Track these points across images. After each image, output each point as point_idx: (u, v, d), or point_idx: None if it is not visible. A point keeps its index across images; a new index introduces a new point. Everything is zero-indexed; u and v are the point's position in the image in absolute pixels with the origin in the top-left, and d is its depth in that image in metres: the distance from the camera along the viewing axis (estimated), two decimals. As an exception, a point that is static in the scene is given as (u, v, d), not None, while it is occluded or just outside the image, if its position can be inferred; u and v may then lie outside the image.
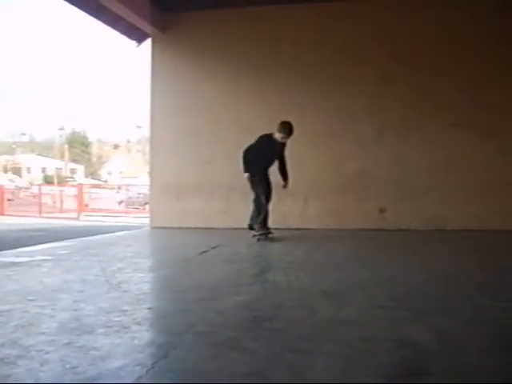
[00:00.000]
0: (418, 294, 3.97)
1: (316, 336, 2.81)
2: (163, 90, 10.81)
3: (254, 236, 7.77)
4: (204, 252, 6.42)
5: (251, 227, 7.97)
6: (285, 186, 8.04)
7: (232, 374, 2.22)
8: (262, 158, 7.77)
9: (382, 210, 9.95)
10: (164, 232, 9.82)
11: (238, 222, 9.87)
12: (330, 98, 10.01)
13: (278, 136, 7.62)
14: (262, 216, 7.75)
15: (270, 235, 7.74)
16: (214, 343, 2.67)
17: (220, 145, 10.39)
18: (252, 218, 7.96)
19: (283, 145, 7.87)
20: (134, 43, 11.25)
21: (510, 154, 9.56)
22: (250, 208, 9.96)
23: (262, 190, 7.77)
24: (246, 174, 7.71)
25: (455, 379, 2.16)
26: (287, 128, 7.61)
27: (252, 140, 7.89)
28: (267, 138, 7.70)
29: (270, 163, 7.99)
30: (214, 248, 6.84)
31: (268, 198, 7.86)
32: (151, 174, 11.10)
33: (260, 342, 2.68)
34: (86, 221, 19.75)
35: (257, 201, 7.86)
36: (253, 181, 7.76)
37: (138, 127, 73.25)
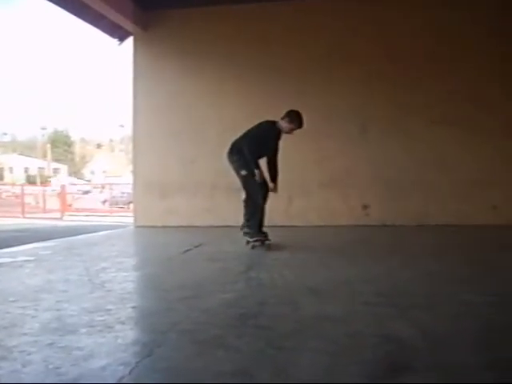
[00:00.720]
0: (402, 290, 3.97)
1: (300, 332, 2.81)
2: (145, 89, 10.75)
3: (249, 243, 6.57)
4: (187, 251, 6.40)
5: (245, 232, 6.73)
6: (274, 189, 6.81)
7: (217, 373, 2.21)
8: (258, 149, 6.60)
9: (365, 207, 10.00)
10: (148, 231, 9.79)
11: (222, 220, 9.89)
12: (316, 96, 10.00)
13: (284, 126, 6.61)
14: (256, 219, 6.59)
15: (266, 242, 6.56)
16: (199, 341, 2.66)
17: (203, 144, 10.36)
18: (245, 223, 6.74)
19: (280, 137, 6.81)
20: (116, 42, 11.17)
21: (494, 151, 9.63)
22: (234, 206, 9.99)
23: (257, 187, 6.54)
24: (257, 172, 6.45)
25: (439, 375, 2.17)
26: (299, 119, 6.58)
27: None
28: (270, 126, 6.66)
29: (264, 155, 6.81)
30: (197, 247, 6.82)
31: (265, 197, 6.65)
32: (134, 172, 11.03)
33: (244, 340, 2.68)
34: (69, 221, 19.61)
35: (249, 201, 6.69)
36: (245, 177, 6.56)
37: (121, 126, 72.88)
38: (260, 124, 6.68)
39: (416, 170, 9.84)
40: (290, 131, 6.66)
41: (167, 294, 3.89)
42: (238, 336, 2.75)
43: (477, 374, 2.17)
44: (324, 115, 9.91)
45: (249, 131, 6.65)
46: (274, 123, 6.65)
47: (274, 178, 6.78)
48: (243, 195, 6.72)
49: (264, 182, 6.59)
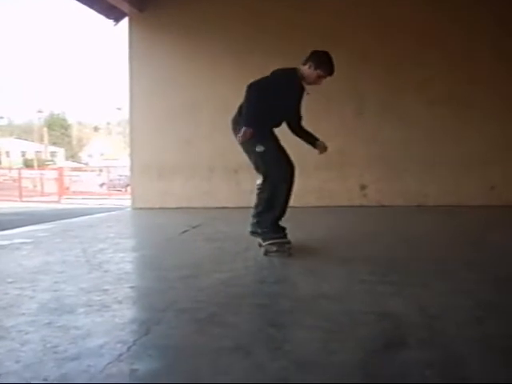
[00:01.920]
0: (399, 268, 3.99)
1: (297, 310, 2.83)
2: (141, 71, 10.68)
3: (261, 246, 4.63)
4: (185, 231, 6.40)
5: (254, 231, 4.76)
6: (323, 148, 5.14)
7: (214, 349, 2.22)
8: (275, 111, 4.64)
9: (362, 187, 10.00)
10: (145, 213, 9.78)
11: (219, 201, 9.90)
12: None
13: (308, 74, 4.64)
14: (275, 213, 4.63)
15: (287, 245, 4.57)
16: (197, 319, 2.67)
17: (200, 125, 10.33)
18: (257, 217, 4.72)
19: (303, 92, 4.84)
20: (111, 23, 11.08)
21: (492, 131, 9.61)
22: (231, 188, 10.00)
23: (280, 166, 4.68)
24: (248, 130, 4.44)
25: (434, 350, 2.18)
26: (330, 62, 4.67)
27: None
28: (288, 77, 4.66)
29: (283, 120, 4.92)
30: (195, 227, 6.82)
31: (291, 183, 4.76)
32: (132, 155, 11.00)
33: (242, 317, 2.69)
34: (67, 204, 19.61)
35: (267, 187, 4.65)
36: (262, 154, 4.59)
37: (118, 109, 72.50)
38: (273, 73, 4.68)
39: (413, 151, 9.83)
40: (317, 81, 4.70)
41: (165, 273, 3.90)
42: (236, 314, 2.76)
43: (468, 348, 2.19)
44: (320, 97, 9.85)
45: (261, 84, 4.56)
46: (293, 71, 4.68)
47: (314, 138, 5.15)
48: (258, 180, 4.74)
49: (288, 160, 4.75)
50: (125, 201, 15.02)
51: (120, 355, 2.16)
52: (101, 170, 32.11)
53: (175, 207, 9.99)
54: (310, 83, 4.72)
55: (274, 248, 4.50)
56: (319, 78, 4.67)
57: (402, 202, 9.70)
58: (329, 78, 4.77)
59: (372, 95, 9.94)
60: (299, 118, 5.00)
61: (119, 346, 2.28)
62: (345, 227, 6.91)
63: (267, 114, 4.50)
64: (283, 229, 4.67)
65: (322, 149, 5.09)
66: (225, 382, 1.90)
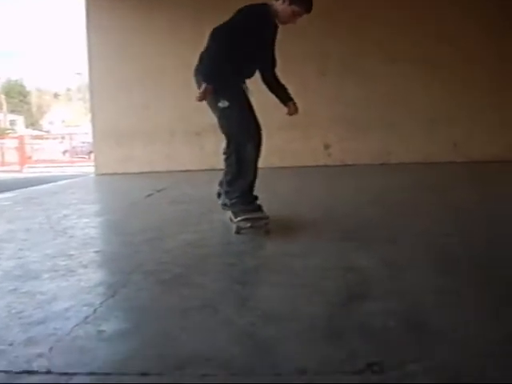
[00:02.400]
0: (366, 225, 4.04)
1: (264, 268, 2.86)
2: (100, 36, 10.46)
3: (233, 221, 3.83)
4: (150, 195, 6.37)
5: (225, 204, 4.06)
6: (294, 110, 4.39)
7: (181, 309, 2.23)
8: (246, 59, 3.92)
9: (326, 147, 10.05)
10: (109, 178, 9.69)
11: (182, 164, 9.89)
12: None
13: (282, 11, 3.85)
14: (246, 179, 3.92)
15: (263, 221, 3.79)
16: (163, 281, 2.67)
17: (160, 90, 10.22)
18: (226, 186, 3.99)
19: (276, 32, 4.14)
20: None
21: (454, 88, 9.70)
22: (193, 151, 9.95)
23: (245, 125, 3.88)
24: (208, 87, 3.71)
25: (398, 300, 2.24)
26: None
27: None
28: (259, 16, 3.86)
29: (255, 69, 4.24)
30: (159, 191, 6.79)
31: (259, 143, 3.95)
32: (93, 121, 10.84)
33: (208, 277, 2.71)
34: (29, 173, 19.27)
35: (233, 150, 3.89)
36: (225, 110, 3.85)
37: (78, 74, 70.92)
38: (240, 12, 3.85)
39: (377, 109, 9.88)
40: (291, 19, 3.92)
41: (130, 237, 3.88)
42: (202, 274, 2.77)
43: (432, 299, 2.25)
44: (282, 59, 9.78)
45: (228, 28, 3.82)
46: (264, 8, 3.88)
47: (287, 96, 4.41)
48: (223, 144, 4.03)
49: (255, 119, 3.97)
50: (88, 168, 14.83)
51: (86, 317, 2.16)
52: (63, 138, 31.52)
53: (138, 172, 9.92)
54: (283, 22, 3.96)
55: (248, 224, 3.71)
56: (294, 16, 3.87)
57: (365, 160, 9.79)
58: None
59: (335, 55, 9.92)
60: (273, 64, 4.31)
61: (85, 308, 2.27)
62: (309, 187, 6.95)
63: (235, 63, 3.77)
64: (255, 198, 3.95)
65: (293, 110, 4.34)
66: (192, 339, 1.91)
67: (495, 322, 1.97)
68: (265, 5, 3.89)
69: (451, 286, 2.42)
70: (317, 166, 9.54)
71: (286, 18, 3.90)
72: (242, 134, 3.86)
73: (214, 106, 3.92)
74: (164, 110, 10.15)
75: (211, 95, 3.78)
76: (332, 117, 9.93)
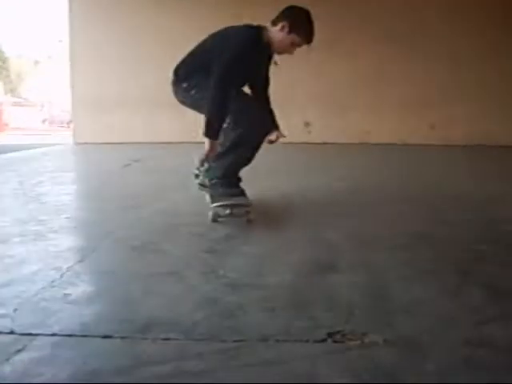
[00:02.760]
0: (336, 200, 4.08)
1: (233, 238, 2.87)
2: (82, 4, 10.30)
3: (213, 206, 3.26)
4: (127, 165, 6.34)
5: (202, 184, 3.59)
6: (276, 138, 3.62)
7: (148, 274, 2.24)
8: (239, 82, 3.44)
9: (306, 124, 10.06)
10: (87, 148, 9.62)
11: (163, 135, 9.82)
12: (259, 10, 9.78)
13: (282, 38, 3.32)
14: (238, 160, 3.35)
15: (245, 209, 3.26)
16: (132, 247, 2.67)
17: (144, 59, 10.12)
18: (212, 160, 3.34)
19: (271, 59, 3.63)
20: None
21: (433, 69, 9.73)
22: (175, 122, 9.90)
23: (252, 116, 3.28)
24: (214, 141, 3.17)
25: (361, 272, 2.27)
26: (309, 26, 3.36)
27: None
28: (253, 43, 3.28)
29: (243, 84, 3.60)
30: (137, 161, 6.76)
31: (265, 132, 3.49)
32: (73, 90, 10.72)
33: (178, 245, 2.72)
34: (6, 140, 19.03)
35: (241, 123, 3.22)
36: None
37: (59, 41, 69.86)
38: (233, 36, 3.33)
39: (357, 88, 9.89)
40: (289, 49, 3.40)
41: (103, 204, 3.87)
42: (172, 242, 2.78)
43: (396, 273, 2.28)
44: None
45: (206, 47, 3.47)
46: (258, 34, 3.34)
47: (274, 123, 3.70)
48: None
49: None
50: (67, 137, 14.68)
51: (53, 281, 2.16)
52: (42, 106, 31.19)
53: (118, 142, 9.85)
54: (279, 52, 3.45)
55: (227, 211, 3.24)
56: (292, 46, 3.36)
57: (344, 139, 9.82)
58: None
59: (317, 32, 9.85)
60: (266, 83, 3.82)
61: (53, 272, 2.27)
62: (288, 164, 6.96)
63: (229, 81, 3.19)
64: (239, 180, 3.41)
65: (274, 138, 3.62)
66: (157, 304, 1.92)
67: (454, 298, 2.00)
68: (260, 29, 3.35)
69: (415, 260, 2.46)
70: (296, 144, 9.53)
71: (282, 47, 3.38)
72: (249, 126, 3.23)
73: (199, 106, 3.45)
74: (147, 79, 10.05)
75: (194, 97, 3.47)
76: (312, 94, 9.93)
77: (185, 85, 3.51)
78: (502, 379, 1.42)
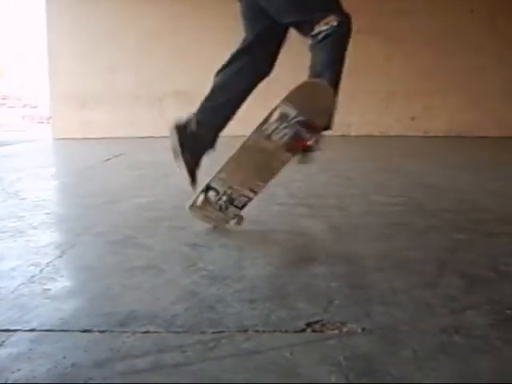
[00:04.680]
0: (318, 192, 4.10)
1: (213, 232, 2.87)
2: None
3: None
4: (107, 160, 6.31)
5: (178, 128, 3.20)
6: None
7: (127, 269, 2.24)
8: None
9: (287, 117, 10.07)
10: (67, 143, 9.55)
11: (144, 131, 9.77)
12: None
13: None
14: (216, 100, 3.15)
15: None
16: (112, 242, 2.67)
17: (124, 54, 10.06)
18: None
19: None
20: None
21: (414, 61, 9.78)
22: (155, 117, 9.87)
23: None
24: None
25: (342, 264, 2.29)
26: None
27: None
28: None
29: None
30: (117, 156, 6.72)
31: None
32: (51, 84, 10.63)
33: (157, 239, 2.71)
34: (-15, 136, 18.84)
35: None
36: None
37: (37, 35, 69.14)
38: None
39: (338, 80, 9.91)
40: None
41: (83, 200, 3.86)
42: (151, 236, 2.78)
43: (376, 263, 2.30)
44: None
45: None
46: None
47: None
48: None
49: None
50: (47, 132, 14.57)
51: (32, 277, 2.15)
52: (21, 101, 30.92)
53: (98, 137, 9.79)
54: None
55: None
56: None
57: (325, 131, 9.83)
58: None
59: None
60: None
61: (32, 268, 2.26)
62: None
63: None
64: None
65: None
66: (136, 297, 1.93)
67: (435, 288, 2.02)
68: None
69: (393, 250, 2.49)
70: (277, 136, 9.54)
71: None
72: None
73: None
74: (127, 73, 10.00)
75: None
76: (293, 85, 9.92)
77: None
78: (475, 363, 1.45)
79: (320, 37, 2.69)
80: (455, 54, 9.71)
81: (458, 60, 9.71)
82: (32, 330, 1.66)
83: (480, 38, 9.73)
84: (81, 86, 10.23)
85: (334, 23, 2.66)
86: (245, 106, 9.87)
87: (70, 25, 10.22)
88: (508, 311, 1.78)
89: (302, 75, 9.01)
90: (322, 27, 2.68)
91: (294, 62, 9.86)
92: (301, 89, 2.62)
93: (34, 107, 27.19)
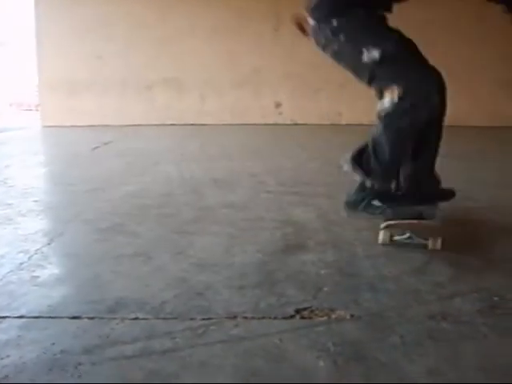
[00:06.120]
0: (306, 180, 4.09)
1: (202, 219, 2.87)
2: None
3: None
4: (96, 148, 6.27)
5: (355, 203, 2.49)
6: None
7: (116, 256, 2.24)
8: None
9: (277, 105, 10.04)
10: (55, 131, 9.47)
11: (133, 119, 9.71)
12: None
13: None
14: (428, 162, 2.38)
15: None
16: (100, 229, 2.66)
17: (113, 41, 9.95)
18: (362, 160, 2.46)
19: None
20: None
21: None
22: (144, 104, 9.83)
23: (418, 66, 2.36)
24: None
25: (330, 251, 2.30)
26: None
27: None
28: None
29: None
30: (106, 144, 6.69)
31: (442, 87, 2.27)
32: (40, 72, 10.52)
33: (146, 227, 2.71)
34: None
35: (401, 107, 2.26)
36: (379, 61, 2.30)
37: (25, 22, 68.47)
38: None
39: (328, 69, 9.76)
40: None
41: (72, 187, 3.84)
42: (140, 223, 2.77)
43: (364, 251, 2.31)
44: (236, 13, 9.69)
45: None
46: None
47: None
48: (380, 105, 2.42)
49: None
50: (35, 120, 14.43)
51: (21, 264, 2.15)
52: (8, 88, 30.60)
53: (87, 125, 9.71)
54: None
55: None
56: None
57: (316, 120, 9.83)
58: None
59: (289, 12, 9.79)
60: None
61: (21, 255, 2.25)
62: (258, 144, 6.96)
63: None
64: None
65: None
66: (125, 284, 1.92)
67: (423, 275, 2.04)
68: None
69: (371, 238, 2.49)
70: (267, 125, 9.53)
71: None
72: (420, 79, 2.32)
73: (350, 57, 2.50)
74: (116, 61, 9.91)
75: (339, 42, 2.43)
76: (284, 75, 9.90)
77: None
78: (462, 349, 1.46)
79: None
80: (444, 43, 9.69)
81: (447, 49, 9.70)
82: (21, 317, 1.66)
83: (469, 27, 9.72)
84: (69, 74, 10.13)
85: None
86: (235, 96, 9.86)
87: (59, 12, 10.10)
88: (495, 298, 1.79)
89: (294, 64, 8.98)
90: None
91: (286, 51, 9.89)
92: None
93: (22, 94, 26.87)
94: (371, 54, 2.29)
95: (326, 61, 8.56)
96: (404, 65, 2.34)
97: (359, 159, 2.46)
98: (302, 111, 9.99)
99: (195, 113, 9.83)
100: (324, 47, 2.50)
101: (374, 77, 2.39)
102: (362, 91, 9.62)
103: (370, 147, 2.44)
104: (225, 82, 9.97)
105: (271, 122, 9.78)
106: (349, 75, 8.29)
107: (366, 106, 9.72)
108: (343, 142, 7.32)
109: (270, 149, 6.27)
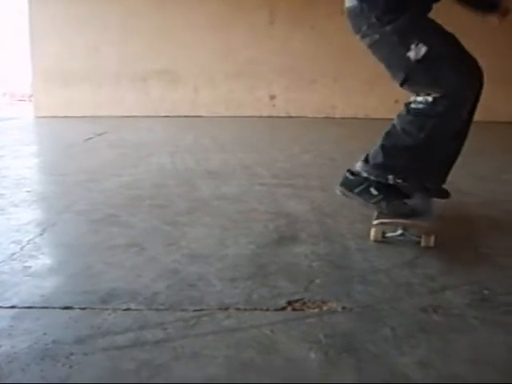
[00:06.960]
0: (300, 172, 4.09)
1: (195, 210, 2.87)
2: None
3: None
4: (89, 139, 6.25)
5: (352, 184, 2.45)
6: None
7: (108, 247, 2.24)
8: None
9: (272, 97, 10.03)
10: (49, 121, 9.43)
11: (127, 110, 9.67)
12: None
13: None
14: (443, 157, 2.52)
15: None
16: (93, 220, 2.66)
17: (107, 32, 9.90)
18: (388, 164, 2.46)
19: None
20: None
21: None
22: (139, 96, 9.79)
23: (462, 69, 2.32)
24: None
25: (322, 243, 2.30)
26: None
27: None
28: None
29: None
30: (99, 135, 6.66)
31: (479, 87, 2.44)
32: (33, 62, 10.46)
33: (139, 217, 2.71)
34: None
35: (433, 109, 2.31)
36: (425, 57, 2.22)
37: (19, 12, 68.07)
38: None
39: (323, 62, 9.87)
40: None
41: (65, 178, 3.82)
42: (133, 214, 2.77)
43: (357, 244, 2.32)
44: (231, 6, 9.66)
45: None
46: None
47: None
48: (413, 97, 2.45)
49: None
50: (28, 110, 14.36)
51: (13, 254, 2.14)
52: (2, 78, 30.44)
53: (81, 116, 9.68)
54: None
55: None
56: None
57: (310, 113, 9.82)
58: None
59: (284, 5, 9.81)
60: None
61: (13, 246, 2.25)
62: (252, 136, 6.95)
63: None
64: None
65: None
66: (117, 275, 1.92)
67: (414, 268, 2.05)
68: None
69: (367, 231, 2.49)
70: (262, 117, 9.52)
71: None
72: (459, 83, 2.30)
73: (397, 53, 2.35)
74: (111, 52, 9.86)
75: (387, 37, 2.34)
76: (278, 67, 9.88)
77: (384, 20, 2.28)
78: (453, 342, 1.47)
79: None
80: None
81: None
82: (13, 307, 1.66)
83: (464, 23, 9.71)
84: (63, 64, 10.08)
85: None
86: (230, 89, 9.81)
87: (53, 2, 10.04)
88: (485, 291, 1.80)
89: (288, 57, 8.96)
90: None
91: (280, 44, 9.86)
92: None
93: (15, 84, 26.74)
94: (419, 50, 2.22)
95: (320, 54, 8.64)
96: (447, 65, 2.29)
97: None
98: (297, 104, 9.98)
99: (189, 105, 9.81)
100: (364, 35, 2.40)
101: (410, 78, 2.35)
102: (357, 85, 9.69)
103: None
104: (219, 74, 9.94)
105: (265, 115, 9.77)
106: (343, 68, 8.33)
107: (360, 100, 9.84)
108: (337, 134, 7.35)
109: (263, 141, 6.27)
